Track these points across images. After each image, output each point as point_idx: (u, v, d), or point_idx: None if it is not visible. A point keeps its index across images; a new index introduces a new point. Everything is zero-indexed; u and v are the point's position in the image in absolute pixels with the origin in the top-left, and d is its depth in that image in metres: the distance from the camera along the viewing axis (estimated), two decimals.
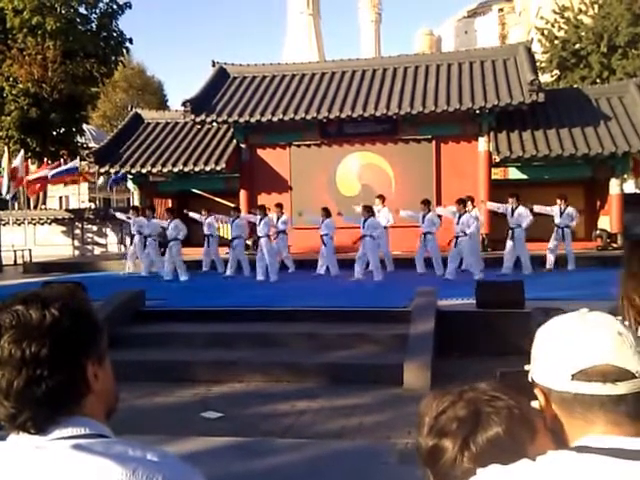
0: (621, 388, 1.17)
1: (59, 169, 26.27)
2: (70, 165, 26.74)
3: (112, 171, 22.18)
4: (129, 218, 17.99)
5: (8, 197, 25.68)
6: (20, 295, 1.36)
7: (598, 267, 16.06)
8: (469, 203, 15.60)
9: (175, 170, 20.95)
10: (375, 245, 15.41)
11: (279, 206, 17.56)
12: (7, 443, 1.30)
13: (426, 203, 16.17)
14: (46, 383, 1.28)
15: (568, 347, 1.22)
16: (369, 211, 15.67)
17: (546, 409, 1.28)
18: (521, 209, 15.43)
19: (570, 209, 16.06)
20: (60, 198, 41.10)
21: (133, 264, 17.78)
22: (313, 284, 14.71)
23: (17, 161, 25.40)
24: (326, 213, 16.47)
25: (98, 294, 9.21)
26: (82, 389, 1.33)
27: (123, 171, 21.90)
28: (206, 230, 17.68)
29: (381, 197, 17.77)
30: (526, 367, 1.34)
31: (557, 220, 15.98)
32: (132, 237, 18.15)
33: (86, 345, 1.34)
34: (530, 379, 1.31)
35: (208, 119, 20.85)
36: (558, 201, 16.06)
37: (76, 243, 26.13)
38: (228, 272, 16.51)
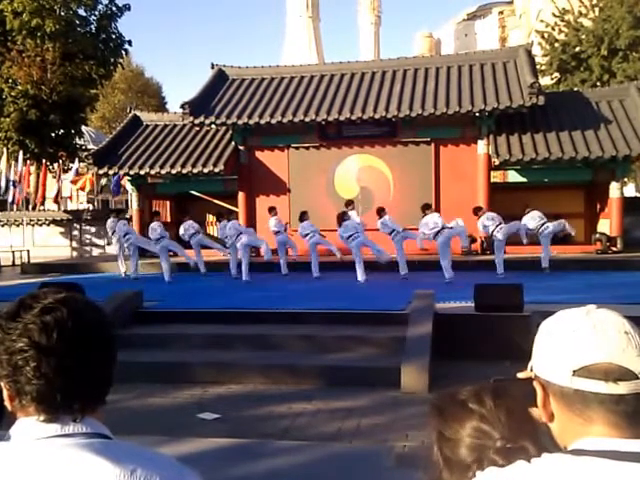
0: (622, 388, 1.16)
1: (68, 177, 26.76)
2: (72, 172, 27.10)
3: (110, 173, 22.19)
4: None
5: (18, 202, 25.78)
6: (58, 288, 1.42)
7: (597, 271, 16.09)
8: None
9: (173, 172, 20.94)
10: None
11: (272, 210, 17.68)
12: (9, 440, 1.30)
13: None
14: (104, 374, 1.35)
15: (572, 342, 1.21)
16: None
17: (544, 404, 1.26)
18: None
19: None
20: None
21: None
22: (311, 287, 14.69)
23: (19, 165, 25.45)
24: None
25: (96, 295, 9.16)
26: (110, 386, 1.39)
27: (122, 172, 21.90)
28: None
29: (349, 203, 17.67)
30: (519, 375, 1.33)
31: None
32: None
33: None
34: (529, 368, 1.30)
35: (207, 121, 20.85)
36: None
37: (74, 244, 26.11)
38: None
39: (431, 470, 1.37)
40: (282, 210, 18.81)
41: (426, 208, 15.29)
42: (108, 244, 24.93)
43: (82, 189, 28.45)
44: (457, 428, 1.32)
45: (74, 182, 27.67)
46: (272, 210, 17.52)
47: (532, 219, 16.05)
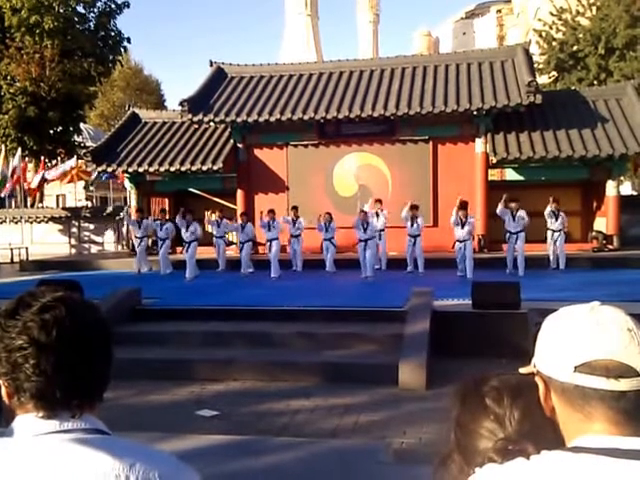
0: (623, 385, 1.15)
1: (56, 170, 26.64)
2: (66, 165, 26.98)
3: (109, 170, 22.17)
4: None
5: (2, 195, 25.74)
6: (55, 286, 1.42)
7: (593, 268, 16.14)
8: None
9: (172, 169, 20.93)
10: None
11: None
12: (9, 435, 1.31)
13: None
14: (102, 371, 1.36)
15: (575, 338, 1.20)
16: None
17: (545, 399, 1.27)
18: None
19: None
20: (57, 196, 41.01)
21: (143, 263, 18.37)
22: (310, 284, 14.71)
23: (15, 161, 25.42)
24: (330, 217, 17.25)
25: (95, 292, 9.20)
26: (108, 383, 1.40)
27: (120, 170, 21.88)
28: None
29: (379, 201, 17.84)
30: (521, 370, 1.33)
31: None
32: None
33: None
34: (532, 365, 1.30)
35: (205, 119, 20.84)
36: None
37: (73, 241, 26.09)
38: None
39: (444, 447, 1.40)
40: (280, 208, 18.83)
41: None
42: (116, 241, 25.00)
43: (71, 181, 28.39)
44: (470, 421, 1.36)
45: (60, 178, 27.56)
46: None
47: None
